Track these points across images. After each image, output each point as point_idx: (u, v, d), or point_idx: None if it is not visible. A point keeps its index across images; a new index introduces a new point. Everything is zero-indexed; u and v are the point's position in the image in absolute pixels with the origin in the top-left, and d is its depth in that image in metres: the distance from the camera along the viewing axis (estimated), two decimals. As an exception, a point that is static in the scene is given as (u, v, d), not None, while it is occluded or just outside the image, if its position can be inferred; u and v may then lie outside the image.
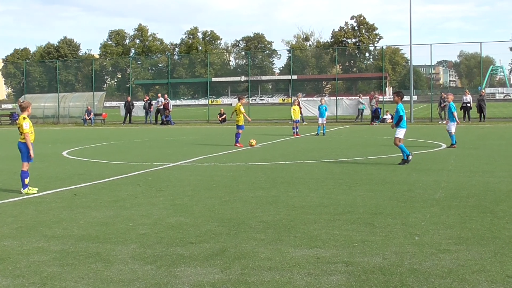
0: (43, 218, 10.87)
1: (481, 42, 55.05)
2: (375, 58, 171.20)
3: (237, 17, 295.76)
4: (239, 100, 28.51)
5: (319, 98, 47.78)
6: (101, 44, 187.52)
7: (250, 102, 66.54)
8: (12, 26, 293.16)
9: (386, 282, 6.78)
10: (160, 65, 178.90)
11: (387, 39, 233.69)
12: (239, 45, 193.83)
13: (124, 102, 60.19)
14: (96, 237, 9.29)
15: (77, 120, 59.04)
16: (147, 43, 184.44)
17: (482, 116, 47.38)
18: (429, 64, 59.16)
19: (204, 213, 11.06)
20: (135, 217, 10.73)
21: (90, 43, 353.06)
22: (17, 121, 14.48)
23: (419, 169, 17.04)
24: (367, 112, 52.19)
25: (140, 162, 20.23)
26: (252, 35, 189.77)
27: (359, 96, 55.15)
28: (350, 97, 74.23)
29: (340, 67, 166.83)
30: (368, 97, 53.33)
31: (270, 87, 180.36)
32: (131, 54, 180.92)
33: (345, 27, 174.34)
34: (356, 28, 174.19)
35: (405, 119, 18.62)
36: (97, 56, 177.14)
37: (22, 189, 13.93)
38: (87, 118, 55.96)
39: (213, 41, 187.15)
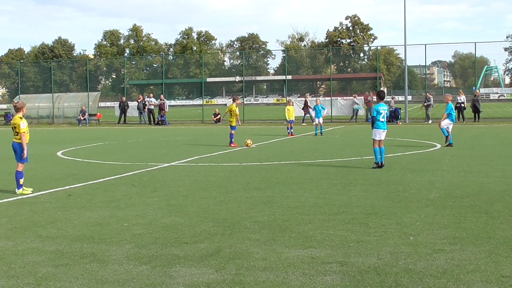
0: (37, 218, 10.86)
1: (475, 43, 55.34)
2: (370, 58, 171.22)
3: (232, 17, 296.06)
4: (233, 100, 28.51)
5: (314, 99, 47.68)
6: (95, 44, 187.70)
7: (245, 102, 66.57)
8: (6, 27, 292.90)
9: (381, 282, 6.79)
10: (154, 65, 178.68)
11: (381, 40, 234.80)
12: (234, 45, 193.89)
13: (119, 103, 60.13)
14: (91, 237, 9.28)
15: (71, 120, 58.94)
16: (141, 43, 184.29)
17: (477, 116, 47.43)
18: (424, 64, 59.08)
19: (199, 213, 11.06)
20: (130, 218, 10.73)
21: (85, 44, 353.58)
22: (11, 121, 14.45)
23: (413, 169, 17.07)
24: (361, 112, 52.30)
25: (135, 163, 20.21)
26: (246, 35, 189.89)
27: (354, 97, 55.20)
28: (344, 98, 74.22)
29: (335, 67, 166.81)
30: (362, 97, 53.40)
31: (265, 87, 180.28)
32: (126, 54, 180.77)
33: (340, 27, 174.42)
34: (350, 28, 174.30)
35: (382, 120, 17.64)
36: (92, 56, 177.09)
37: (16, 189, 13.92)
38: (82, 118, 55.88)
39: (207, 41, 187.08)
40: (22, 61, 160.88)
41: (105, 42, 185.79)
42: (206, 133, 39.04)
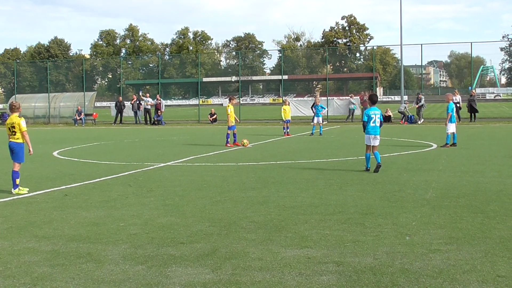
0: (33, 218, 10.85)
1: (471, 42, 55.33)
2: (366, 58, 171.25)
3: (228, 17, 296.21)
4: (230, 100, 28.56)
5: (311, 98, 47.76)
6: (91, 44, 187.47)
7: (241, 102, 66.58)
8: (3, 26, 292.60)
9: (377, 282, 6.79)
10: (150, 65, 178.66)
11: (378, 39, 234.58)
12: (230, 45, 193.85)
13: (115, 102, 60.08)
14: (87, 237, 9.28)
15: (67, 120, 58.88)
16: (137, 43, 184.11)
17: (473, 116, 47.45)
18: (420, 64, 59.27)
19: (195, 213, 11.06)
20: (126, 217, 10.72)
21: (81, 43, 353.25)
22: (7, 121, 14.45)
23: (410, 169, 17.08)
24: (358, 112, 52.30)
25: (131, 162, 20.20)
26: (243, 35, 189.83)
27: (350, 96, 55.23)
28: (341, 97, 74.31)
29: (331, 67, 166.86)
30: (358, 97, 53.45)
31: (261, 87, 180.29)
32: (122, 54, 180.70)
33: (336, 27, 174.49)
34: (346, 28, 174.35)
35: (373, 125, 16.77)
36: (88, 56, 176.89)
37: (13, 189, 13.91)
38: (78, 118, 55.82)
39: (203, 41, 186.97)
40: (18, 61, 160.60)
41: (101, 42, 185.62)
42: (202, 133, 39.03)
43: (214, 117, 54.35)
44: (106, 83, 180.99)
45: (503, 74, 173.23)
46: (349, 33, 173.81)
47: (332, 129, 40.83)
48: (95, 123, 57.18)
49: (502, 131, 35.42)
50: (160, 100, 54.32)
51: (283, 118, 34.75)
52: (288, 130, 34.38)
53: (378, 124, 16.90)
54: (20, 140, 13.98)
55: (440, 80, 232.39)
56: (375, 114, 16.84)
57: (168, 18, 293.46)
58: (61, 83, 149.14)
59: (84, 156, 22.90)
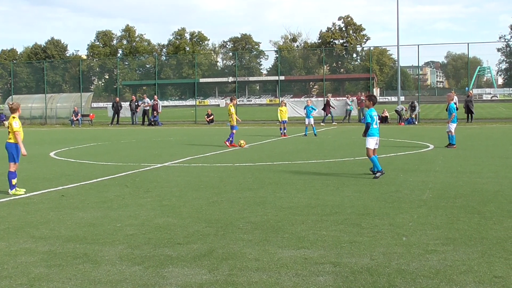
0: (30, 219, 10.85)
1: (468, 43, 55.29)
2: (363, 59, 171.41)
3: (225, 18, 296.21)
4: (231, 100, 28.69)
5: (306, 99, 47.80)
6: (88, 45, 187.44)
7: (238, 103, 66.59)
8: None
9: (374, 282, 6.79)
10: (147, 66, 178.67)
11: (374, 40, 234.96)
12: (227, 46, 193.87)
13: (112, 103, 60.06)
14: (84, 238, 9.27)
15: (64, 121, 58.88)
16: (134, 44, 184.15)
17: (470, 117, 47.51)
18: (417, 65, 59.21)
19: (192, 214, 11.06)
20: (123, 218, 10.72)
21: (78, 44, 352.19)
22: (5, 122, 14.56)
23: (406, 169, 17.09)
24: (354, 113, 52.37)
25: (128, 163, 20.20)
26: (239, 36, 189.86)
27: (347, 97, 55.22)
28: (337, 98, 74.27)
29: (328, 68, 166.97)
30: (355, 98, 53.50)
31: (258, 88, 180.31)
32: (119, 55, 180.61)
33: (333, 28, 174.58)
34: (343, 29, 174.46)
35: (376, 126, 16.05)
36: (85, 57, 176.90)
37: (9, 190, 13.90)
38: (75, 119, 55.82)
39: (200, 42, 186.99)
40: (14, 61, 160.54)
41: (98, 43, 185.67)
42: (199, 134, 39.01)
43: (211, 117, 54.35)
44: (102, 84, 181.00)
45: (500, 75, 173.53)
46: (345, 34, 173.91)
47: (329, 130, 40.83)
48: (91, 124, 57.14)
49: (499, 131, 35.47)
50: (157, 100, 54.34)
51: (280, 119, 34.75)
52: (285, 131, 34.40)
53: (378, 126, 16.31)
54: (12, 140, 14.01)
55: (437, 81, 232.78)
56: (375, 115, 16.19)
57: (164, 19, 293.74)
58: (57, 84, 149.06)
59: (81, 157, 22.88)
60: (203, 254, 8.13)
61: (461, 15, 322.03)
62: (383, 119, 50.05)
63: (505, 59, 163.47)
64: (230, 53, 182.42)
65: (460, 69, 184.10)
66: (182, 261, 7.83)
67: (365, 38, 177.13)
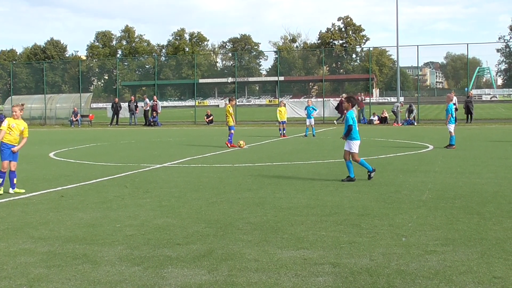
0: (29, 219, 10.83)
1: (467, 44, 55.42)
2: (362, 59, 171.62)
3: (224, 18, 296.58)
4: (229, 101, 28.68)
5: (307, 100, 47.84)
6: (88, 45, 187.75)
7: (237, 103, 66.57)
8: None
9: (373, 283, 6.79)
10: (147, 66, 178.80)
11: (374, 41, 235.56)
12: (226, 46, 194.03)
13: (111, 104, 60.06)
14: (83, 238, 9.26)
15: (64, 121, 58.91)
16: (134, 44, 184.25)
17: (469, 117, 47.53)
18: (416, 65, 59.28)
19: (191, 214, 11.05)
20: (122, 219, 10.71)
21: (77, 45, 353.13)
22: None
23: (406, 170, 17.09)
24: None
25: (127, 164, 20.19)
26: (239, 37, 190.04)
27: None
28: (337, 99, 74.29)
29: (327, 68, 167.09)
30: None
31: (257, 88, 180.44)
32: (118, 55, 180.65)
33: (332, 29, 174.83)
34: (343, 29, 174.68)
35: (357, 129, 15.55)
36: (84, 58, 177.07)
37: (10, 189, 13.99)
38: (74, 119, 55.82)
39: (200, 43, 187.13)
40: (14, 62, 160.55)
41: (97, 43, 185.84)
42: (199, 134, 39.02)
43: (211, 118, 54.35)
44: (102, 85, 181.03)
45: (499, 76, 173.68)
46: (345, 34, 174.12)
47: (328, 130, 40.83)
48: (91, 125, 57.15)
49: (498, 132, 35.48)
50: (156, 101, 54.36)
51: (279, 119, 34.73)
52: (284, 132, 34.39)
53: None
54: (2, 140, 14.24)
55: (436, 82, 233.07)
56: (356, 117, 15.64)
57: (164, 19, 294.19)
58: (57, 84, 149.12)
59: (80, 157, 22.87)
60: (203, 255, 8.12)
61: (461, 15, 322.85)
62: (383, 120, 50.13)
63: (504, 59, 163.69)
64: (230, 54, 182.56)
65: (460, 70, 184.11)
66: (182, 261, 7.82)
67: (365, 38, 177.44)
